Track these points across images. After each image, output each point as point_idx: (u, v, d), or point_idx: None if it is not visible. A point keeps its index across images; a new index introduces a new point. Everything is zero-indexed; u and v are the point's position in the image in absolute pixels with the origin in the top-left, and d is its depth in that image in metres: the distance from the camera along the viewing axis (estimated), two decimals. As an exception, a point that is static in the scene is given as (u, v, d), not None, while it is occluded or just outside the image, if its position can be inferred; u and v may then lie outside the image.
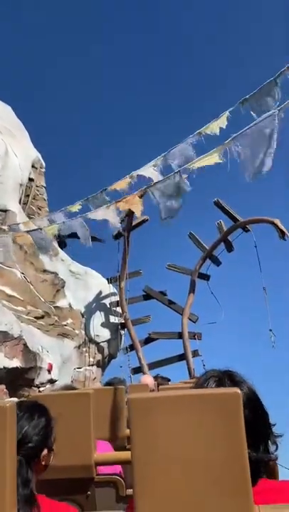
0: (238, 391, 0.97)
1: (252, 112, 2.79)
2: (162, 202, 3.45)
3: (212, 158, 2.97)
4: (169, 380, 4.76)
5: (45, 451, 1.41)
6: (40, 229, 4.35)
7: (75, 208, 4.03)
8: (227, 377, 1.14)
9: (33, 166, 9.24)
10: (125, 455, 2.02)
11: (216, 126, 3.00)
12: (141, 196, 3.94)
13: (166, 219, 3.45)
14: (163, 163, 3.61)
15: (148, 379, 4.34)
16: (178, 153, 3.38)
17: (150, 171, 3.58)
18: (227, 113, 3.01)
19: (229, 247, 7.78)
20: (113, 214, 3.80)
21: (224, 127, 2.94)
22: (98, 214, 3.90)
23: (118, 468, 2.18)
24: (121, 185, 3.82)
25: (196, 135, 3.16)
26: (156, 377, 4.69)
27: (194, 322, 7.90)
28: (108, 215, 3.83)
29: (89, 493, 1.86)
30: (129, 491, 1.88)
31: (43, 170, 9.66)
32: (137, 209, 3.74)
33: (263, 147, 2.56)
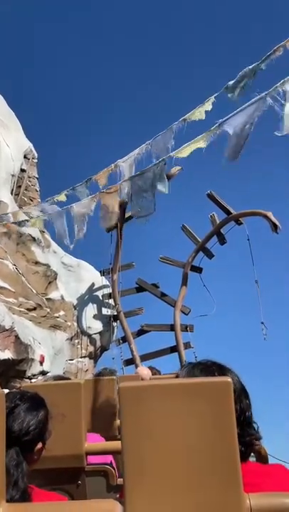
0: (229, 380, 0.96)
1: (237, 97, 2.78)
2: (136, 198, 3.41)
3: (195, 144, 2.94)
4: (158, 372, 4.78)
5: (39, 445, 1.41)
6: (27, 220, 4.30)
7: (61, 198, 3.97)
8: (215, 367, 1.16)
9: (25, 157, 9.15)
10: (116, 445, 2.02)
11: (201, 111, 2.98)
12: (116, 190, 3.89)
13: (141, 218, 3.42)
14: (146, 152, 3.57)
15: (144, 371, 4.31)
16: (161, 142, 3.34)
17: (133, 159, 3.54)
18: (212, 98, 2.99)
19: (222, 240, 7.78)
20: (94, 207, 3.75)
21: (209, 110, 2.93)
22: (80, 207, 3.84)
23: (109, 458, 2.18)
24: (104, 174, 3.77)
25: (180, 122, 3.12)
26: (150, 369, 4.69)
27: (186, 314, 7.92)
28: (90, 208, 3.78)
29: (79, 482, 1.86)
30: (121, 481, 1.88)
31: (36, 160, 9.57)
32: (115, 206, 3.69)
33: (244, 132, 2.56)
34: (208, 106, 2.95)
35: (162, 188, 3.38)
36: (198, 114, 2.94)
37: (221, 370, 1.14)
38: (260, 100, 2.58)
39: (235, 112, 2.72)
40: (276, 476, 1.07)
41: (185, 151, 3.02)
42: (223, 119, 2.78)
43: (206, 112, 2.93)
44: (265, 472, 1.08)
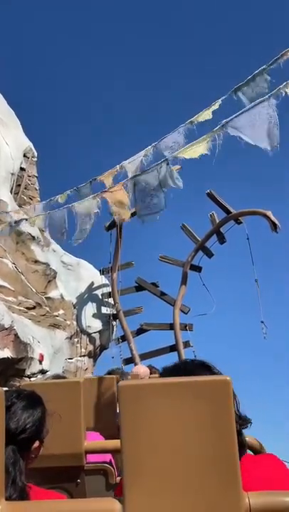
0: (228, 378, 0.96)
1: (244, 99, 2.77)
2: (142, 197, 3.38)
3: (198, 149, 2.93)
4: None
5: (36, 443, 1.41)
6: (26, 219, 4.30)
7: (62, 198, 3.96)
8: (202, 367, 1.18)
9: (24, 155, 9.13)
10: (115, 443, 2.02)
11: (208, 113, 2.98)
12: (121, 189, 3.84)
13: (145, 216, 3.38)
14: (153, 154, 3.57)
15: (141, 369, 4.30)
16: (170, 143, 3.34)
17: (139, 161, 3.53)
18: (219, 101, 2.99)
19: (221, 239, 7.78)
20: (98, 205, 3.72)
21: (217, 108, 2.93)
22: (83, 206, 3.82)
23: (108, 457, 2.19)
24: (110, 175, 3.75)
25: (187, 124, 3.12)
26: (149, 368, 4.68)
27: (186, 313, 7.93)
28: (93, 206, 3.76)
29: (79, 481, 1.86)
30: (120, 479, 1.88)
31: (35, 159, 9.55)
32: (124, 205, 3.65)
33: (267, 124, 2.54)
34: (215, 108, 2.95)
35: (177, 183, 3.36)
36: (206, 115, 2.94)
37: (209, 370, 1.17)
38: (264, 101, 2.58)
39: (238, 112, 2.72)
40: (266, 462, 1.12)
41: (187, 153, 3.01)
42: (227, 119, 2.77)
43: (214, 112, 2.93)
44: (256, 460, 1.13)
